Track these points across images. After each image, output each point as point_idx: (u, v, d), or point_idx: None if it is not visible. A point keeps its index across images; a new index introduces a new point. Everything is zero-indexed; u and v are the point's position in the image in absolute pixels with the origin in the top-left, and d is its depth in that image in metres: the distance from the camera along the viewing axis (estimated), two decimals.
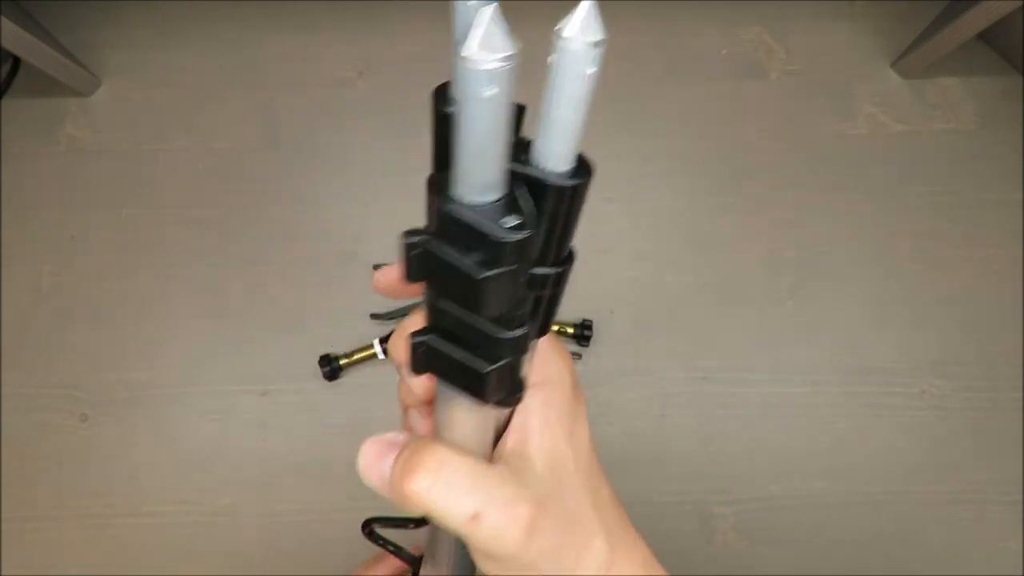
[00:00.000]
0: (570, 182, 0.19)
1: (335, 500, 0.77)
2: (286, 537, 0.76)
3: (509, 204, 0.18)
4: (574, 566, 0.24)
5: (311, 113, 0.93)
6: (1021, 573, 0.76)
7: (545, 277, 0.20)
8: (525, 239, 0.18)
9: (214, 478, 0.78)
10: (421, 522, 0.34)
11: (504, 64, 0.15)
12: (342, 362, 0.80)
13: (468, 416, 0.24)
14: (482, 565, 0.24)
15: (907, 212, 0.89)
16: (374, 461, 0.24)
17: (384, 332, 0.81)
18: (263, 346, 0.83)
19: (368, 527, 0.35)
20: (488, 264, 0.18)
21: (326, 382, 0.80)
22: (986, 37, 0.94)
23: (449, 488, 0.22)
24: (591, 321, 0.81)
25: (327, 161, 0.90)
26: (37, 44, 0.83)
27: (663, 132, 0.92)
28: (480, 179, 0.18)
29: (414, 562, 0.36)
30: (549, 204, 0.19)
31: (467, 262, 0.18)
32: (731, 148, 0.91)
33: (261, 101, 0.94)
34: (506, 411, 0.25)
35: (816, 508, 0.78)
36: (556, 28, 0.17)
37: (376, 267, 0.27)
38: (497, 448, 0.25)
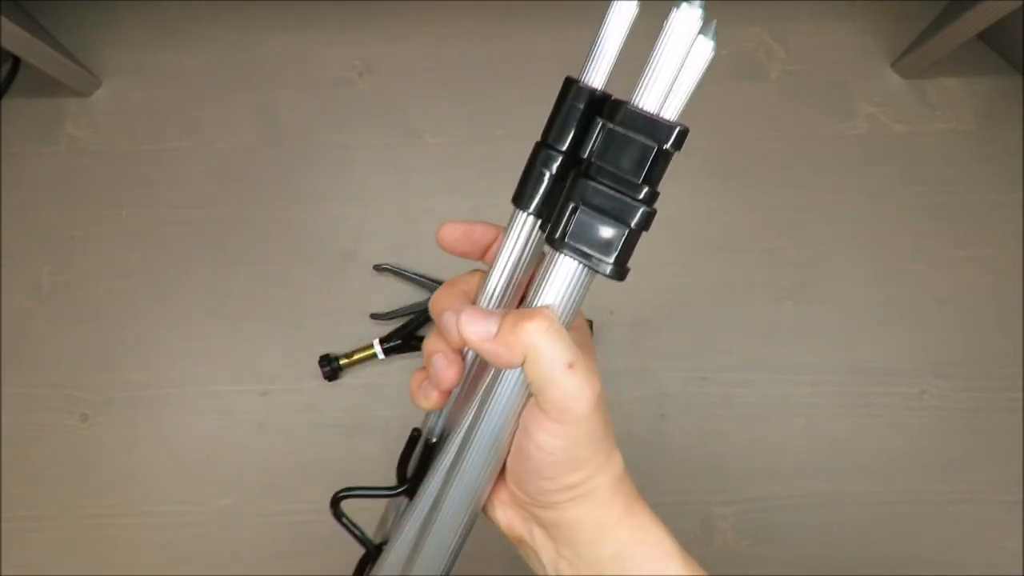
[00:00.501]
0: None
1: None
2: (286, 537, 0.76)
3: None
4: (606, 461, 0.28)
5: (311, 113, 0.93)
6: (1021, 573, 0.76)
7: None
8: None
9: (214, 478, 0.78)
10: (397, 490, 0.33)
11: None
12: (342, 362, 0.80)
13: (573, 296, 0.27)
14: (541, 433, 0.27)
15: (907, 212, 0.89)
16: (479, 319, 0.26)
17: (384, 332, 0.81)
18: (263, 346, 0.83)
19: (336, 504, 0.34)
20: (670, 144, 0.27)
21: (326, 382, 0.80)
22: (986, 37, 0.94)
23: (560, 335, 0.26)
24: (591, 321, 0.81)
25: (327, 161, 0.90)
26: (37, 44, 0.83)
27: None
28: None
29: (376, 550, 0.35)
30: None
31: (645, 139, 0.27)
32: (731, 148, 0.91)
33: (261, 101, 0.94)
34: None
35: (816, 508, 0.78)
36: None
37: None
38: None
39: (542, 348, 0.25)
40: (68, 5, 0.97)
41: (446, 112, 0.92)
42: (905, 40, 0.94)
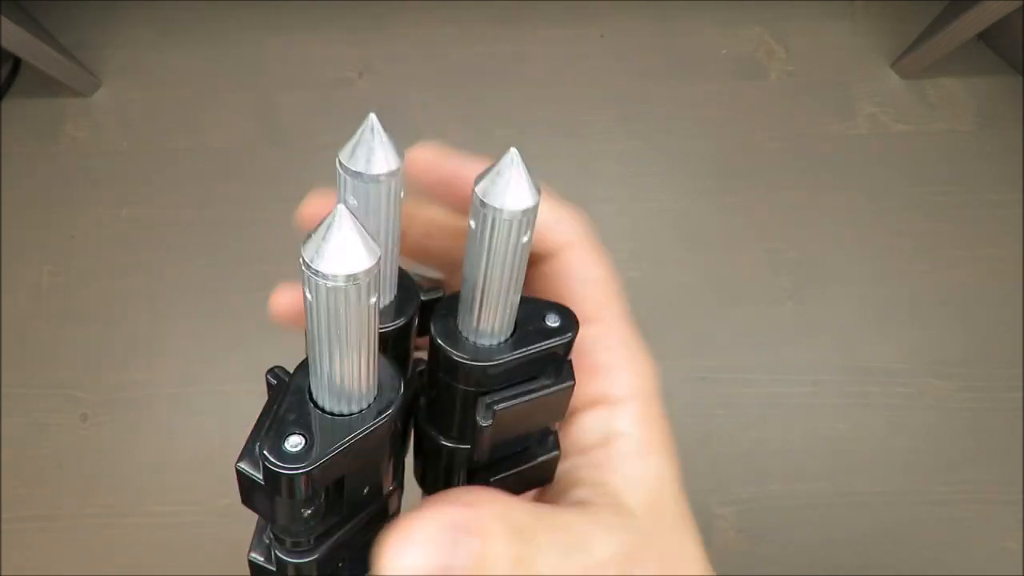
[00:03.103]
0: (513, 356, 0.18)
1: None
2: None
3: None
4: None
5: (311, 113, 0.93)
6: (1021, 573, 0.76)
7: None
8: None
9: (214, 478, 0.78)
10: None
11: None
12: None
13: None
14: None
15: (907, 212, 0.89)
16: (441, 550, 0.15)
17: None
18: (263, 346, 0.83)
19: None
20: None
21: None
22: (986, 37, 0.94)
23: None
24: None
25: (327, 161, 0.90)
26: (37, 44, 0.83)
27: (663, 132, 0.92)
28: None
29: None
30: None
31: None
32: (731, 148, 0.91)
33: (261, 101, 0.94)
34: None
35: (816, 508, 0.78)
36: (477, 193, 0.15)
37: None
38: (552, 486, 0.21)
39: None
40: (68, 5, 0.97)
41: (446, 112, 0.92)
42: (905, 40, 0.94)
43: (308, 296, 0.14)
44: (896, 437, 0.80)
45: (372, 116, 0.16)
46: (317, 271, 0.13)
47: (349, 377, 0.15)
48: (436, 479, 0.20)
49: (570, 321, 0.18)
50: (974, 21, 0.82)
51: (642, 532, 0.19)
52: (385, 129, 0.17)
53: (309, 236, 0.13)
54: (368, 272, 0.13)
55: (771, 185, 0.90)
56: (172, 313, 0.84)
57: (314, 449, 0.15)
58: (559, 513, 0.18)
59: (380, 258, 0.13)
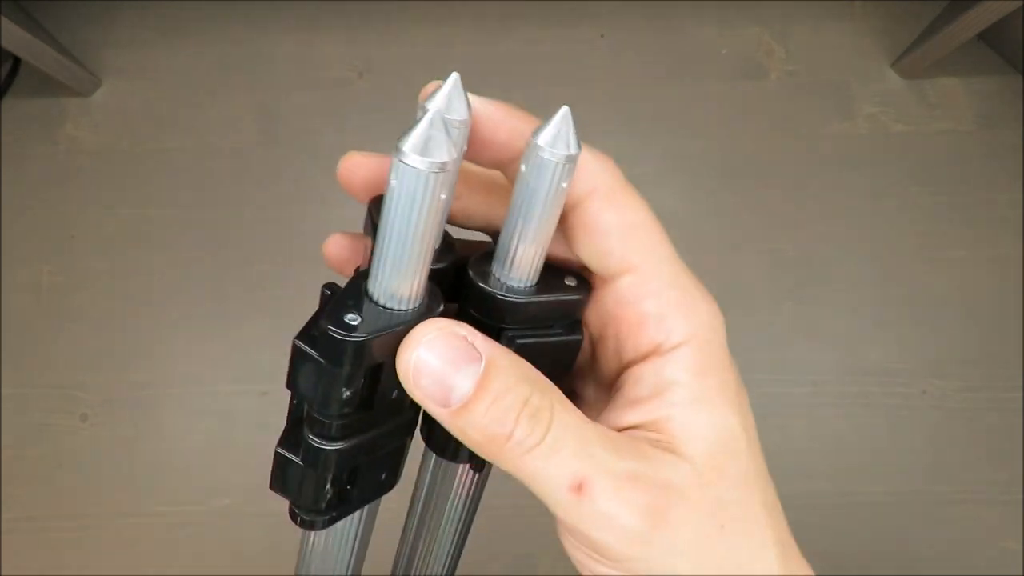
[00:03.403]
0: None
1: None
2: (286, 537, 0.76)
3: None
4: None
5: (311, 113, 0.93)
6: (1021, 573, 0.76)
7: None
8: None
9: (214, 478, 0.78)
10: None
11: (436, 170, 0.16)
12: None
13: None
14: (586, 564, 0.18)
15: (907, 212, 0.89)
16: (445, 366, 0.16)
17: None
18: (263, 346, 0.83)
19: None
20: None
21: None
22: (986, 37, 0.94)
23: (560, 439, 0.17)
24: None
25: (327, 161, 0.90)
26: (37, 44, 0.83)
27: (663, 132, 0.92)
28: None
29: None
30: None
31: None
32: (731, 148, 0.91)
33: (261, 101, 0.94)
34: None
35: (816, 508, 0.78)
36: (533, 139, 0.17)
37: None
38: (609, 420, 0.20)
39: (524, 467, 0.17)
40: (68, 5, 0.97)
41: None
42: (905, 40, 0.94)
43: (393, 183, 0.16)
44: (896, 437, 0.80)
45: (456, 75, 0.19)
46: (406, 157, 0.15)
47: (409, 269, 0.17)
48: (443, 434, 0.21)
49: (585, 284, 0.20)
50: (974, 21, 0.82)
51: (693, 478, 0.18)
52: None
53: (407, 131, 0.15)
54: (446, 165, 0.15)
55: (771, 185, 0.90)
56: (172, 313, 0.84)
57: (367, 326, 0.17)
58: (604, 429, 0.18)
59: (457, 158, 0.16)
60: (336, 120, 0.92)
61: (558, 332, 0.20)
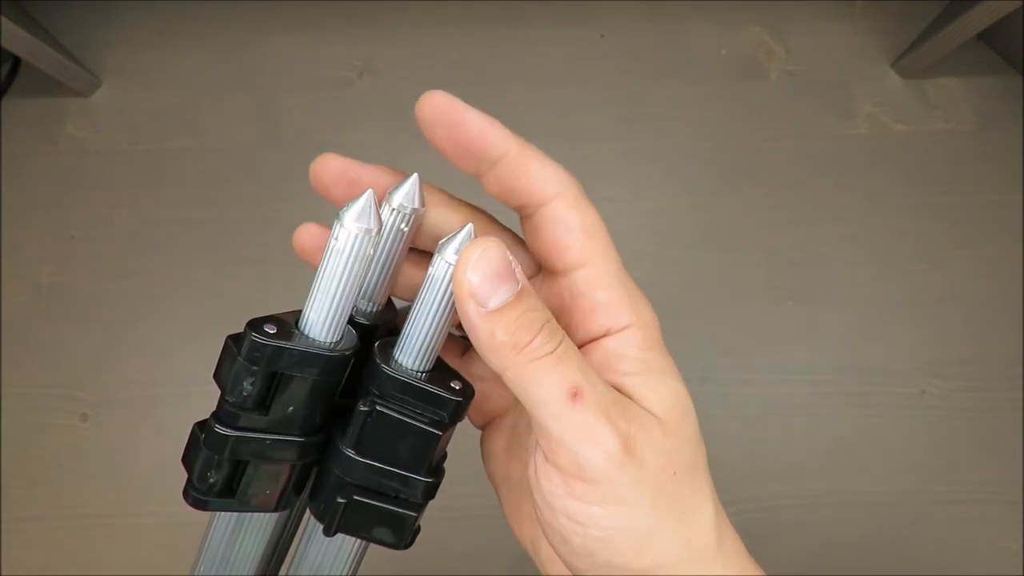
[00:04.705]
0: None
1: None
2: None
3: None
4: (677, 524, 0.20)
5: (311, 113, 0.93)
6: (1021, 573, 0.76)
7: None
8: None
9: None
10: None
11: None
12: None
13: None
14: (557, 496, 0.20)
15: (907, 212, 0.89)
16: (496, 272, 0.19)
17: None
18: None
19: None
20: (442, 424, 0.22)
21: None
22: (986, 37, 0.94)
23: (567, 354, 0.19)
24: None
25: None
26: (37, 44, 0.83)
27: (663, 132, 0.92)
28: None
29: None
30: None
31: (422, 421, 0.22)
32: (731, 148, 0.91)
33: (261, 101, 0.94)
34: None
35: (816, 508, 0.78)
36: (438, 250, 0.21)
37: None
38: None
39: (535, 368, 0.19)
40: (68, 5, 0.97)
41: None
42: (905, 40, 0.94)
43: (331, 241, 0.20)
44: (896, 437, 0.80)
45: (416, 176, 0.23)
46: (344, 221, 0.20)
47: (327, 306, 0.21)
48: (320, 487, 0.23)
49: (468, 391, 0.22)
50: (974, 21, 0.82)
51: (662, 432, 0.21)
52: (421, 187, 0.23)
53: (349, 204, 0.20)
54: (371, 232, 0.20)
55: (771, 185, 0.90)
56: (172, 313, 0.84)
57: (277, 338, 0.21)
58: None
59: (381, 226, 0.20)
60: (336, 120, 0.92)
61: (422, 419, 0.21)
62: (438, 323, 0.21)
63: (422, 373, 0.22)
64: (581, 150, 0.90)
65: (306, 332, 0.21)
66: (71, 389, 0.82)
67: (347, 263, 0.20)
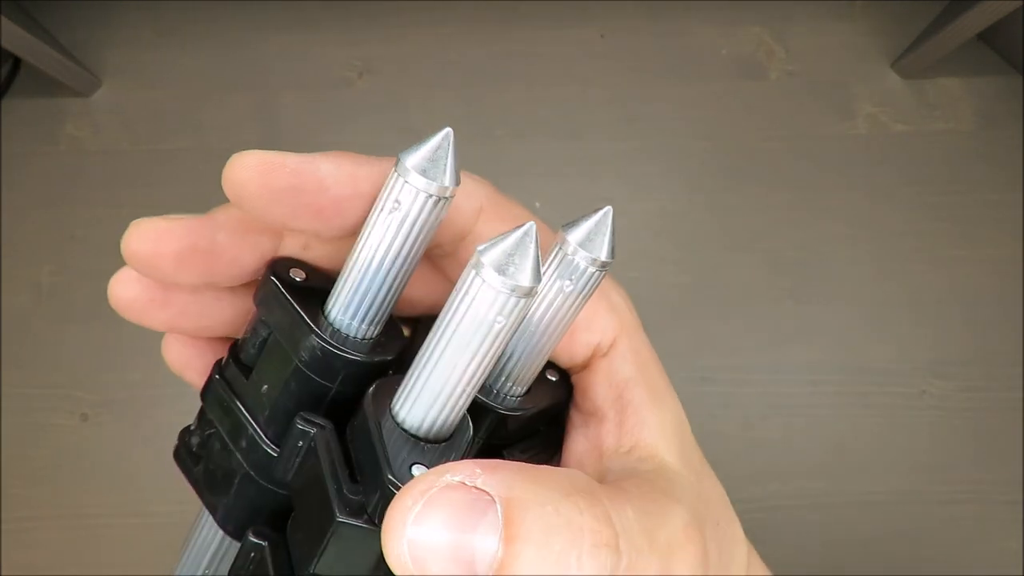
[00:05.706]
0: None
1: None
2: None
3: None
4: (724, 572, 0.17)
5: (311, 113, 0.93)
6: (1021, 573, 0.76)
7: None
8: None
9: None
10: None
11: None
12: None
13: None
14: None
15: (907, 212, 0.89)
16: (453, 536, 0.11)
17: None
18: None
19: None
20: None
21: None
22: (986, 37, 0.94)
23: (630, 560, 0.13)
24: None
25: None
26: (37, 44, 0.83)
27: (663, 132, 0.92)
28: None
29: None
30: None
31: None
32: (731, 148, 0.91)
33: (261, 101, 0.94)
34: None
35: (816, 508, 0.78)
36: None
37: None
38: (563, 457, 0.18)
39: None
40: (68, 5, 0.97)
41: (446, 112, 0.92)
42: (905, 40, 0.94)
43: (398, 203, 0.15)
44: (896, 437, 0.80)
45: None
46: (412, 180, 0.15)
47: (379, 297, 0.16)
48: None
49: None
50: (974, 21, 0.82)
51: (690, 487, 0.17)
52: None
53: (417, 153, 0.15)
54: (443, 192, 0.16)
55: (771, 185, 0.90)
56: None
57: (290, 289, 0.17)
58: (622, 488, 0.15)
59: (451, 188, 0.16)
60: (336, 120, 0.92)
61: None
62: (475, 366, 0.14)
63: (436, 444, 0.15)
64: (581, 150, 0.90)
65: (331, 307, 0.17)
66: (71, 389, 0.82)
67: (410, 230, 0.16)
